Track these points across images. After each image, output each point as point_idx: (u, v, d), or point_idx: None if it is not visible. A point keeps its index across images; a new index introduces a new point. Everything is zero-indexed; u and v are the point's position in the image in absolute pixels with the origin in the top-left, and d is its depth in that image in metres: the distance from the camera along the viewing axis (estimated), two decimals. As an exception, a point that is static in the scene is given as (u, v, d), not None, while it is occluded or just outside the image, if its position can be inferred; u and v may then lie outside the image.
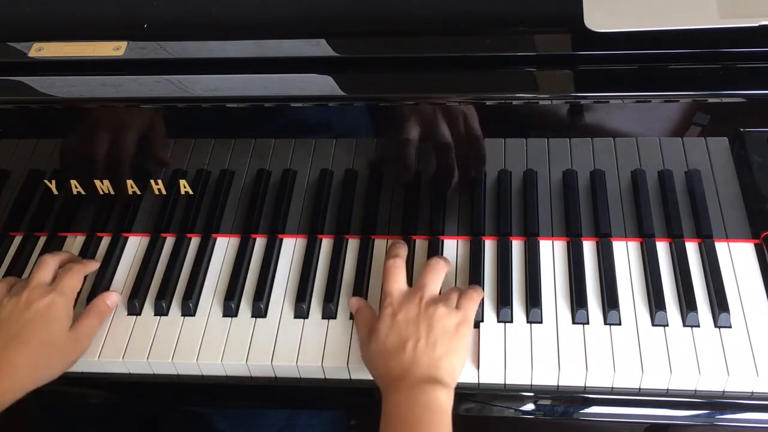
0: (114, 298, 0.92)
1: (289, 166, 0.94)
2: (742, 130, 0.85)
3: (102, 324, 0.90)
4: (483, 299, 0.89)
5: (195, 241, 0.99)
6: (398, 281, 0.87)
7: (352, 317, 0.90)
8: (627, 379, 0.83)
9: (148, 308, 0.93)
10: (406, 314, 0.82)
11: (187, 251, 0.98)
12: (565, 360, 0.84)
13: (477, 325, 0.87)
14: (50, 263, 0.91)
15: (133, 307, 0.92)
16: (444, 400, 0.76)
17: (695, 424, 0.86)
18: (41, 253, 0.98)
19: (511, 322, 0.88)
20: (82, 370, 0.90)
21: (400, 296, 0.85)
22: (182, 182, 0.94)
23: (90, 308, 0.89)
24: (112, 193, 0.95)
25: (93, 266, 0.96)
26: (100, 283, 0.95)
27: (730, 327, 0.85)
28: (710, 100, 0.81)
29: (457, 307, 0.84)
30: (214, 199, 0.96)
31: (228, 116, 0.88)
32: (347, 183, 0.94)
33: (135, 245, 1.00)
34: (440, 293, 0.87)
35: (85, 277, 0.95)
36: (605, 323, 0.87)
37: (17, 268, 0.99)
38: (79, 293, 0.92)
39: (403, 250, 0.90)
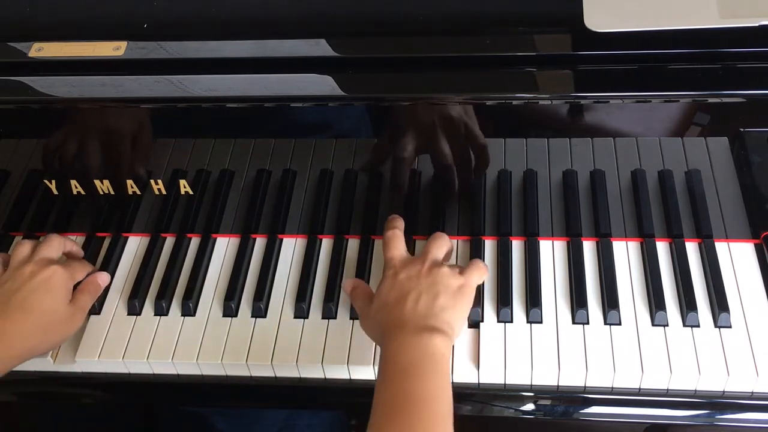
0: (104, 277, 0.93)
1: (289, 166, 0.94)
2: (742, 130, 0.85)
3: (92, 301, 0.91)
4: (484, 287, 0.89)
5: (195, 241, 0.99)
6: (398, 248, 0.88)
7: (352, 317, 0.90)
8: (627, 379, 0.83)
9: (148, 308, 0.93)
10: (408, 273, 0.83)
11: (187, 251, 0.98)
12: (565, 360, 0.84)
13: (477, 325, 0.88)
14: (56, 241, 0.93)
15: (133, 307, 0.92)
16: (441, 347, 0.76)
17: (695, 424, 0.86)
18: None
19: (511, 322, 0.88)
20: (82, 370, 0.90)
21: (402, 260, 0.86)
22: (182, 182, 0.94)
23: (84, 285, 0.91)
24: (112, 193, 0.95)
25: (103, 278, 0.95)
26: (100, 283, 0.95)
27: (730, 327, 0.85)
28: (710, 100, 0.81)
29: (462, 272, 0.85)
30: (214, 199, 0.96)
31: (228, 116, 0.88)
32: (347, 183, 0.94)
33: (135, 245, 1.00)
34: None
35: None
36: (605, 323, 0.87)
37: (17, 268, 0.98)
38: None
39: (400, 223, 0.91)
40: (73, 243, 0.97)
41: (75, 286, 0.91)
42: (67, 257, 0.95)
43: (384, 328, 0.80)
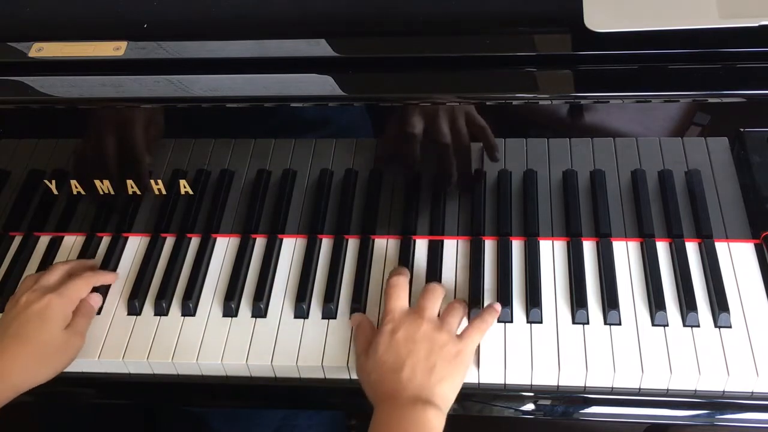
0: (96, 298, 0.92)
1: (289, 166, 0.94)
2: (742, 130, 0.85)
3: (89, 323, 0.90)
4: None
5: (195, 241, 0.99)
6: (400, 299, 0.86)
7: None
8: (627, 379, 0.83)
9: (148, 308, 0.93)
10: (405, 333, 0.81)
11: (187, 251, 0.98)
12: (565, 360, 0.84)
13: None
14: (58, 269, 0.92)
15: (133, 307, 0.92)
16: (434, 421, 0.76)
17: (695, 424, 0.86)
18: (43, 254, 1.00)
19: (511, 322, 0.88)
20: (82, 369, 0.90)
21: (402, 315, 0.84)
22: (182, 182, 0.94)
23: (78, 309, 0.89)
24: (112, 193, 0.95)
25: (108, 278, 0.95)
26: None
27: (730, 327, 0.85)
28: (710, 100, 0.81)
29: (461, 336, 0.83)
30: (214, 199, 0.96)
31: (228, 116, 0.88)
32: (347, 183, 0.94)
33: (135, 245, 1.00)
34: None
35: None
36: (605, 323, 0.87)
37: (17, 268, 0.98)
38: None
39: (405, 273, 0.90)
40: (82, 262, 0.96)
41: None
42: (70, 276, 0.92)
43: (378, 393, 0.79)
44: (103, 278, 0.94)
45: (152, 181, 0.94)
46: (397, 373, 0.79)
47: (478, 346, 0.85)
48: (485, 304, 0.89)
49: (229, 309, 0.91)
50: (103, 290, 0.94)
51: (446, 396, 0.79)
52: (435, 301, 0.86)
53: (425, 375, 0.78)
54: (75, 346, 0.87)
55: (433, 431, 0.75)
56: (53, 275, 0.91)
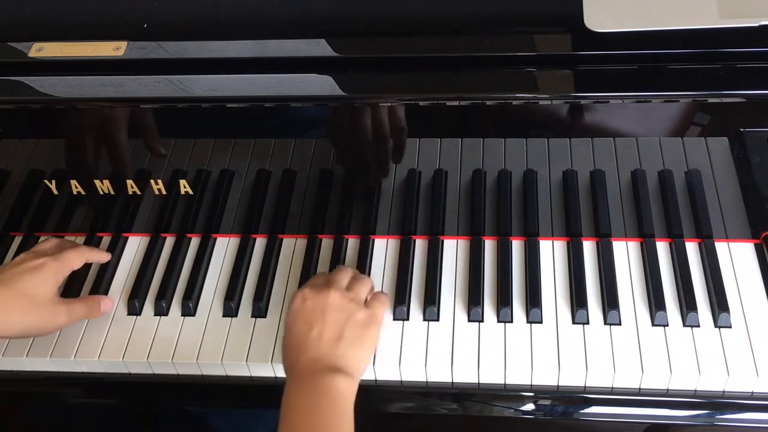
0: (108, 305, 0.92)
1: (289, 166, 0.94)
2: (742, 130, 0.85)
3: (85, 317, 0.90)
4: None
5: (195, 241, 0.99)
6: (320, 276, 0.88)
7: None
8: (627, 379, 0.83)
9: (148, 308, 0.93)
10: (314, 302, 0.81)
11: (187, 251, 0.98)
12: (565, 360, 0.84)
13: (477, 325, 0.88)
14: (52, 240, 0.93)
15: (133, 307, 0.92)
16: (344, 388, 0.75)
17: (695, 424, 0.86)
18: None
19: (511, 322, 0.88)
20: (83, 370, 0.90)
21: (315, 286, 0.84)
22: (182, 182, 0.94)
23: (86, 298, 0.91)
24: (112, 193, 0.95)
25: (103, 256, 0.96)
26: (100, 282, 0.95)
27: (730, 327, 0.85)
28: (710, 100, 0.81)
29: (368, 304, 0.84)
30: (214, 199, 0.96)
31: (228, 116, 0.88)
32: (347, 183, 0.94)
33: (135, 245, 1.00)
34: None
35: (86, 276, 0.95)
36: (605, 323, 0.87)
37: (17, 268, 0.99)
38: (78, 289, 0.93)
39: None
40: (69, 242, 0.96)
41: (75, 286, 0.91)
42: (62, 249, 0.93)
43: (288, 363, 0.79)
44: (98, 255, 0.95)
45: (152, 181, 0.94)
46: (304, 344, 0.78)
47: (479, 345, 0.85)
48: (486, 305, 0.89)
49: (229, 309, 0.91)
50: (103, 290, 0.95)
51: (356, 362, 0.78)
52: (344, 275, 0.87)
53: (333, 343, 0.78)
54: (56, 317, 0.86)
55: (343, 398, 0.75)
56: (48, 243, 0.92)
